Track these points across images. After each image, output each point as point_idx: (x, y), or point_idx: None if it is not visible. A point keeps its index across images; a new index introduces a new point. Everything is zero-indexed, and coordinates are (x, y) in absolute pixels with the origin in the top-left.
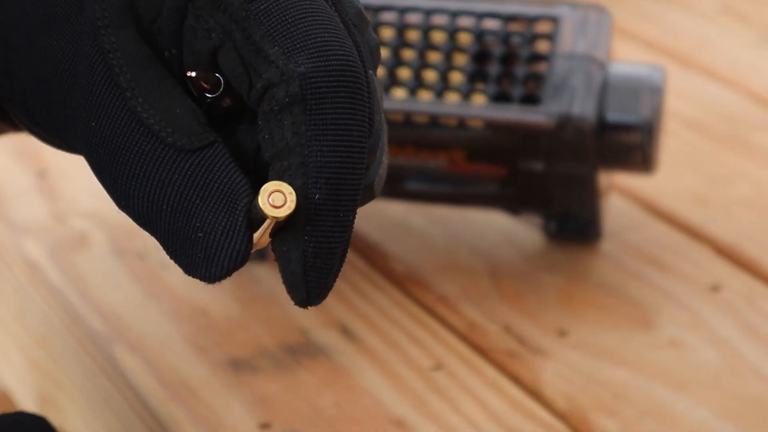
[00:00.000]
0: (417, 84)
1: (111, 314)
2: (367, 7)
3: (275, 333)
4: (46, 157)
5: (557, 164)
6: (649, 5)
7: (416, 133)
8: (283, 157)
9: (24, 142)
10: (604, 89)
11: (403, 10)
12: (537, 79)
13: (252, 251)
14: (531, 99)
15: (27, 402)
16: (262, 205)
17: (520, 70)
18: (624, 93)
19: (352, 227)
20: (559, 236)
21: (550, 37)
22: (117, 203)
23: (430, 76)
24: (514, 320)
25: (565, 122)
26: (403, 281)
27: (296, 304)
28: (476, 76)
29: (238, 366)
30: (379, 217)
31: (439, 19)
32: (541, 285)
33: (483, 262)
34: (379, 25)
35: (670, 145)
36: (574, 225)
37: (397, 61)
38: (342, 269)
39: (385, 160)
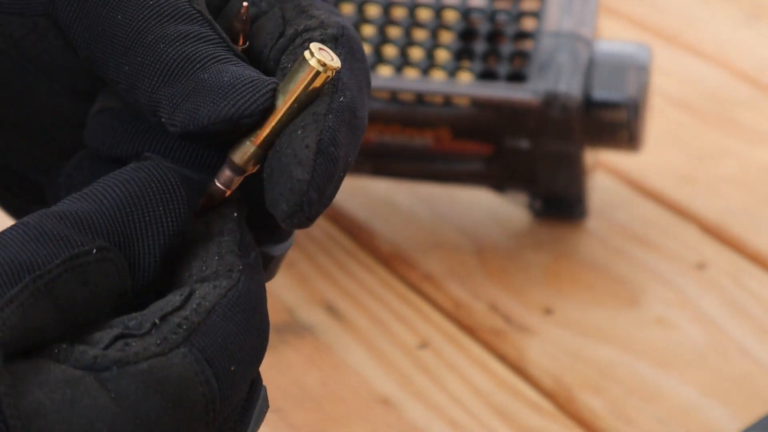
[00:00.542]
0: (403, 62)
1: None
2: None
3: None
4: None
5: (543, 142)
6: None
7: (402, 111)
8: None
9: None
10: (590, 67)
11: None
12: (523, 56)
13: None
14: (517, 77)
15: None
16: (315, 53)
17: (507, 48)
18: (610, 71)
19: (357, 148)
20: (545, 214)
21: (536, 14)
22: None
23: (416, 53)
24: (499, 298)
25: (551, 100)
26: (389, 259)
27: (285, 207)
28: (462, 54)
29: None
30: (364, 196)
31: None
32: (527, 263)
33: (469, 241)
34: (365, 2)
35: (657, 123)
36: (560, 203)
37: (383, 39)
38: (328, 247)
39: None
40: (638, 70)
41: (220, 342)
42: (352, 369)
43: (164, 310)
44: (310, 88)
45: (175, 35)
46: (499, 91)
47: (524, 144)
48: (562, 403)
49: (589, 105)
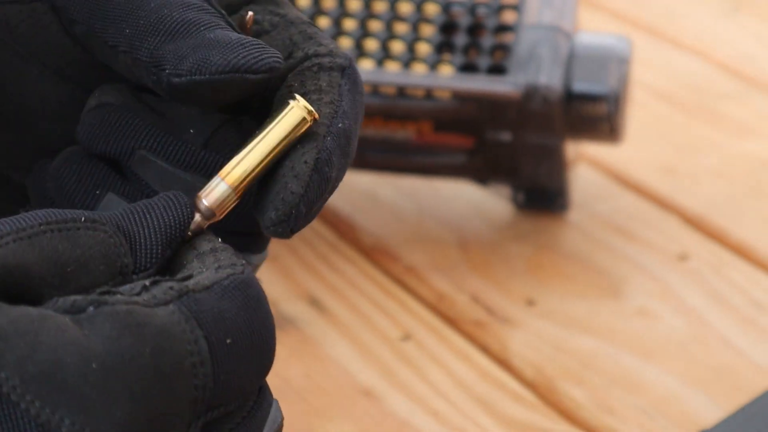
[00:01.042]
0: (384, 55)
1: None
2: None
3: None
4: None
5: (524, 134)
6: None
7: (384, 105)
8: (313, 94)
9: None
10: (571, 59)
11: None
12: (504, 49)
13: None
14: (498, 69)
15: None
16: (300, 101)
17: (487, 41)
18: (590, 63)
19: (344, 173)
20: (528, 206)
21: (516, 7)
22: None
23: (398, 47)
24: (482, 290)
25: (531, 92)
26: (372, 252)
27: (274, 215)
28: (443, 47)
29: None
30: (347, 189)
31: None
32: (509, 255)
33: (451, 233)
34: None
35: (638, 115)
36: (543, 195)
37: (365, 32)
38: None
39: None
40: (619, 62)
41: (215, 312)
42: (335, 361)
43: (157, 279)
44: (297, 134)
45: (178, 2)
46: (480, 83)
47: (506, 136)
48: (544, 393)
49: (570, 97)
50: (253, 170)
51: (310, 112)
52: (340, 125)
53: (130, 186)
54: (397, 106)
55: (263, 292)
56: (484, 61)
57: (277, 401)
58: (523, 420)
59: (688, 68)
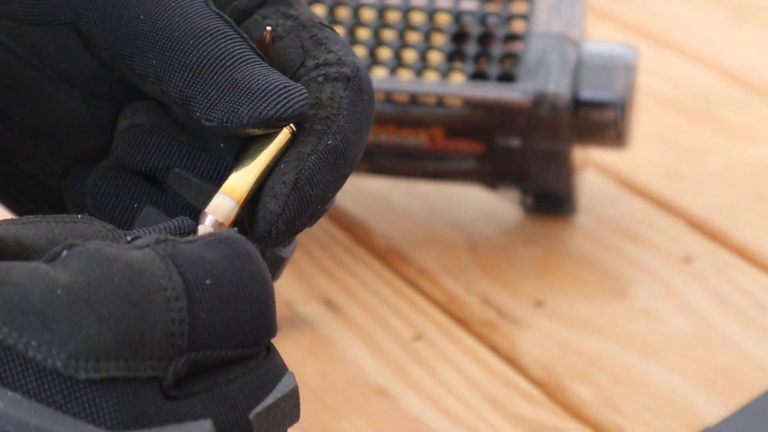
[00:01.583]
0: (397, 63)
1: None
2: None
3: None
4: None
5: (533, 140)
6: None
7: (397, 112)
8: (310, 109)
9: None
10: (579, 67)
11: None
12: (513, 57)
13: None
14: (507, 77)
15: None
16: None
17: (497, 50)
18: (597, 71)
19: (335, 196)
20: (536, 210)
21: (525, 17)
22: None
23: (410, 55)
24: (492, 292)
25: (540, 100)
26: (385, 255)
27: (256, 231)
28: (454, 56)
29: None
30: (361, 194)
31: (418, 1)
32: (518, 257)
33: (462, 236)
34: (360, 6)
35: (644, 121)
36: (551, 199)
37: (378, 42)
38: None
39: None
40: (625, 69)
41: (194, 255)
42: (349, 360)
43: (138, 234)
44: (283, 147)
45: (202, 31)
46: (490, 91)
47: (515, 142)
48: (552, 391)
49: (578, 104)
50: (253, 182)
51: (290, 127)
52: (329, 142)
53: (167, 198)
54: (409, 113)
55: (255, 250)
56: (494, 70)
57: (291, 373)
58: (531, 417)
59: (693, 76)
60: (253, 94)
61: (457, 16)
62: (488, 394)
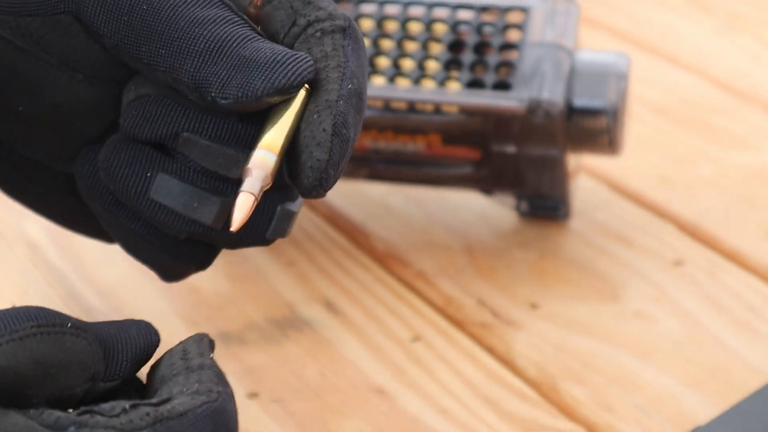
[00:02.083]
0: (395, 72)
1: (107, 291)
2: (348, 0)
3: (263, 307)
4: None
5: (528, 147)
6: None
7: (395, 119)
8: (320, 61)
9: None
10: (572, 75)
11: (382, 2)
12: (508, 66)
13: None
14: (503, 85)
15: None
16: None
17: (493, 58)
18: (591, 79)
19: (360, 128)
20: (531, 215)
21: (520, 26)
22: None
23: (408, 64)
24: (488, 294)
25: (535, 107)
26: (384, 258)
27: (306, 182)
28: (451, 64)
29: (228, 339)
30: (360, 199)
31: (416, 11)
32: (513, 261)
33: (459, 240)
34: (359, 17)
35: (636, 128)
36: (545, 204)
37: (377, 51)
38: (326, 247)
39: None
40: (618, 78)
41: None
42: (348, 361)
43: (138, 402)
44: (302, 104)
45: (206, 19)
46: (486, 99)
47: (510, 149)
48: (547, 391)
49: (571, 111)
50: (285, 138)
51: (304, 87)
52: (350, 86)
53: (179, 164)
54: (407, 120)
55: (234, 417)
56: (489, 78)
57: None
58: (526, 417)
59: (684, 84)
60: (263, 66)
61: (454, 26)
62: (484, 394)
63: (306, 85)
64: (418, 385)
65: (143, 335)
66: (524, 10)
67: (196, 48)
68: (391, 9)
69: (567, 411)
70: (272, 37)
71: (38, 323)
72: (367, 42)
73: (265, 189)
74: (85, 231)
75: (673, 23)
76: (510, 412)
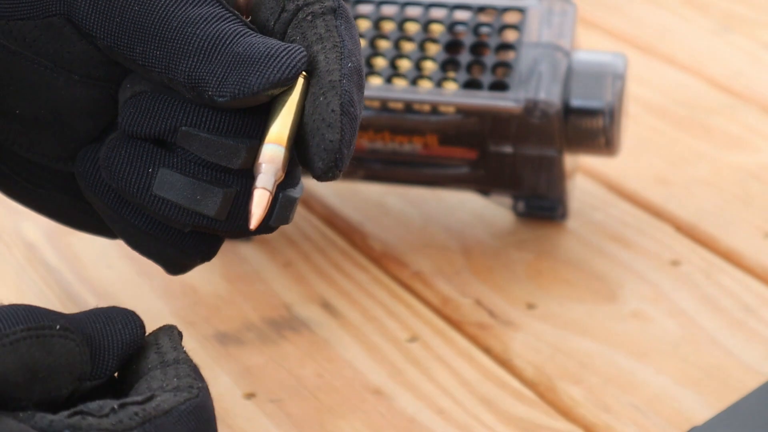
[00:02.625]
0: (392, 72)
1: (105, 291)
2: (345, 0)
3: (260, 308)
4: None
5: (525, 147)
6: None
7: (392, 119)
8: (315, 44)
9: None
10: (569, 76)
11: (379, 3)
12: (505, 66)
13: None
14: (500, 86)
15: None
16: None
17: (490, 59)
18: (588, 79)
19: (364, 103)
20: (528, 215)
21: (517, 27)
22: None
23: (405, 64)
24: (485, 294)
25: (532, 107)
26: (381, 259)
27: (321, 164)
28: (448, 65)
29: (225, 339)
30: (357, 199)
31: (413, 11)
32: (510, 261)
33: (456, 240)
34: (356, 17)
35: (633, 128)
36: (542, 204)
37: (374, 51)
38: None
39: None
40: (614, 78)
41: None
42: (346, 361)
43: (125, 401)
44: (302, 92)
45: (198, 18)
46: (482, 99)
47: (507, 149)
48: (544, 391)
49: (568, 112)
50: (290, 128)
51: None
52: (349, 65)
53: (179, 158)
54: (404, 120)
55: (213, 412)
56: (486, 78)
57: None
58: (523, 417)
59: (681, 84)
60: (257, 61)
61: (451, 26)
62: (481, 394)
63: (304, 73)
64: (415, 386)
65: (129, 329)
66: (521, 10)
67: (190, 48)
68: (388, 9)
69: (564, 411)
70: (263, 25)
71: (27, 327)
72: (364, 43)
73: (278, 182)
74: (87, 228)
75: (670, 23)
76: (507, 412)
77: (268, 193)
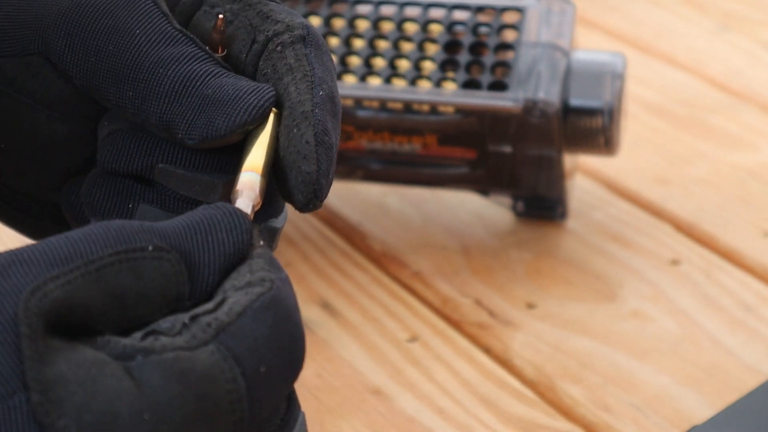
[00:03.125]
0: (391, 72)
1: None
2: (344, 0)
3: None
4: None
5: (524, 147)
6: None
7: (391, 119)
8: (286, 75)
9: None
10: (568, 75)
11: (378, 3)
12: (504, 66)
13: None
14: (499, 85)
15: None
16: None
17: (489, 59)
18: (587, 79)
19: (340, 129)
20: (527, 215)
21: (516, 26)
22: None
23: (404, 64)
24: (484, 294)
25: (531, 107)
26: (381, 259)
27: (301, 197)
28: (447, 65)
29: None
30: (357, 200)
31: (412, 11)
32: (510, 261)
33: (455, 240)
34: (355, 17)
35: (632, 128)
36: (542, 204)
37: (373, 51)
38: (323, 248)
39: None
40: (613, 77)
41: (249, 342)
42: (346, 362)
43: (196, 312)
44: (274, 125)
45: (170, 58)
46: (482, 99)
47: (506, 149)
48: (544, 391)
49: (567, 111)
50: (265, 157)
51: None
52: (321, 93)
53: (158, 194)
54: (403, 120)
55: (293, 301)
56: (485, 78)
57: (303, 414)
58: (523, 416)
59: (680, 83)
60: (224, 104)
61: (450, 26)
62: (481, 394)
63: (274, 109)
64: (415, 386)
65: (234, 235)
66: (520, 10)
67: (161, 89)
68: (387, 9)
69: (564, 411)
70: (237, 58)
71: (116, 251)
72: (362, 43)
73: (256, 209)
74: None
75: (669, 23)
76: (507, 412)
77: None
